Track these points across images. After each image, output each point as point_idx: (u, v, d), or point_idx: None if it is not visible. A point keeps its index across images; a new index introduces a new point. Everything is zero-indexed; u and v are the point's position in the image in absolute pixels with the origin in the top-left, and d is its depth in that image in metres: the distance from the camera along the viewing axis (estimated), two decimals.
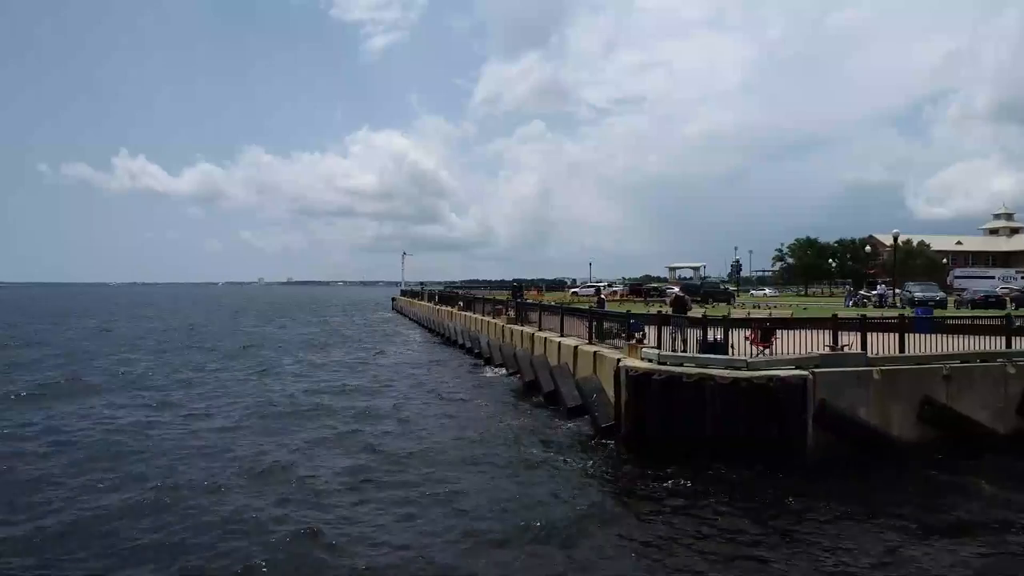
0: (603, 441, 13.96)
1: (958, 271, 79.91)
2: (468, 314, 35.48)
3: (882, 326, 14.31)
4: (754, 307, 35.57)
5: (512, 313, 26.92)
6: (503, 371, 24.08)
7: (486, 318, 30.78)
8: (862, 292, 45.00)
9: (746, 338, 14.08)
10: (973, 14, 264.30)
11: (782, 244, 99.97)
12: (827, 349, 13.25)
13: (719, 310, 30.00)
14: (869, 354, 13.22)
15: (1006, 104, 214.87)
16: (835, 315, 14.61)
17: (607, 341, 17.13)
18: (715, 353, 13.18)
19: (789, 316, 25.00)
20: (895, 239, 39.48)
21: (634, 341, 14.69)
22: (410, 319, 61.73)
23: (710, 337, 13.52)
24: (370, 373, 25.95)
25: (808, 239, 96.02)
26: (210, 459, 13.27)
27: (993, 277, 68.46)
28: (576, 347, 17.33)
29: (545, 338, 20.27)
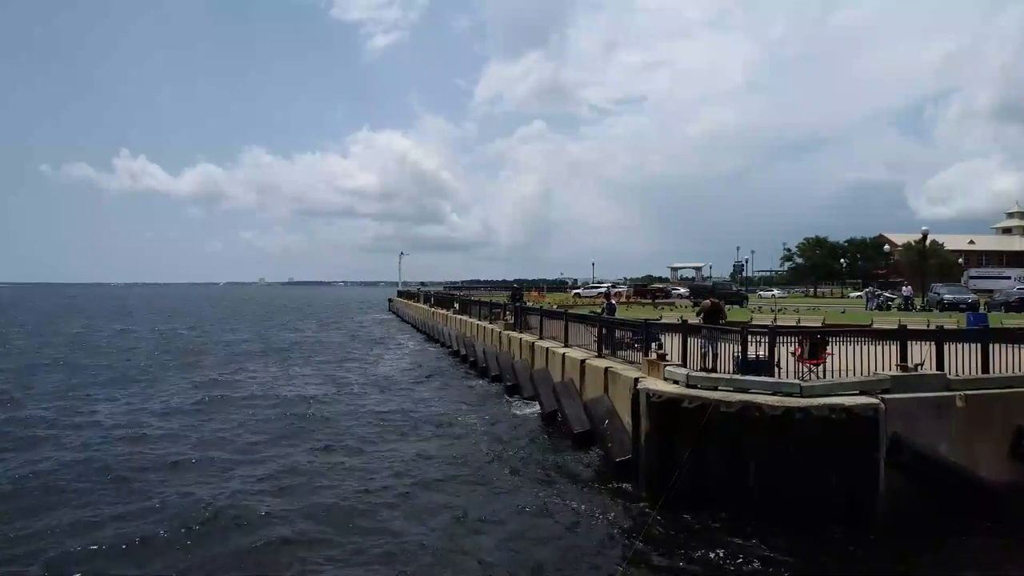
0: (617, 480, 11.44)
1: (973, 271, 77.32)
2: (463, 318, 32.88)
3: (960, 336, 11.71)
4: (773, 310, 32.68)
5: (510, 318, 24.36)
6: (499, 384, 21.53)
7: (482, 323, 28.20)
8: (886, 293, 42.31)
9: (792, 353, 11.52)
10: (974, 14, 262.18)
11: (784, 243, 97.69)
12: (897, 369, 10.68)
13: (737, 314, 27.33)
14: (948, 374, 10.68)
15: (1007, 104, 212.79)
16: (904, 324, 12.00)
17: (619, 354, 14.64)
18: (759, 374, 10.62)
19: (822, 323, 22.45)
20: (924, 237, 36.71)
21: (654, 356, 12.14)
22: (406, 322, 59.16)
23: (751, 353, 10.94)
24: (343, 386, 23.17)
25: (817, 238, 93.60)
26: None
27: (1009, 277, 65.83)
28: (583, 361, 14.80)
29: (547, 348, 17.74)
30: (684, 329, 12.36)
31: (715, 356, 12.24)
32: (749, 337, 10.99)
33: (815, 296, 79.41)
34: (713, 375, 10.66)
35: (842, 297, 76.49)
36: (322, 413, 17.88)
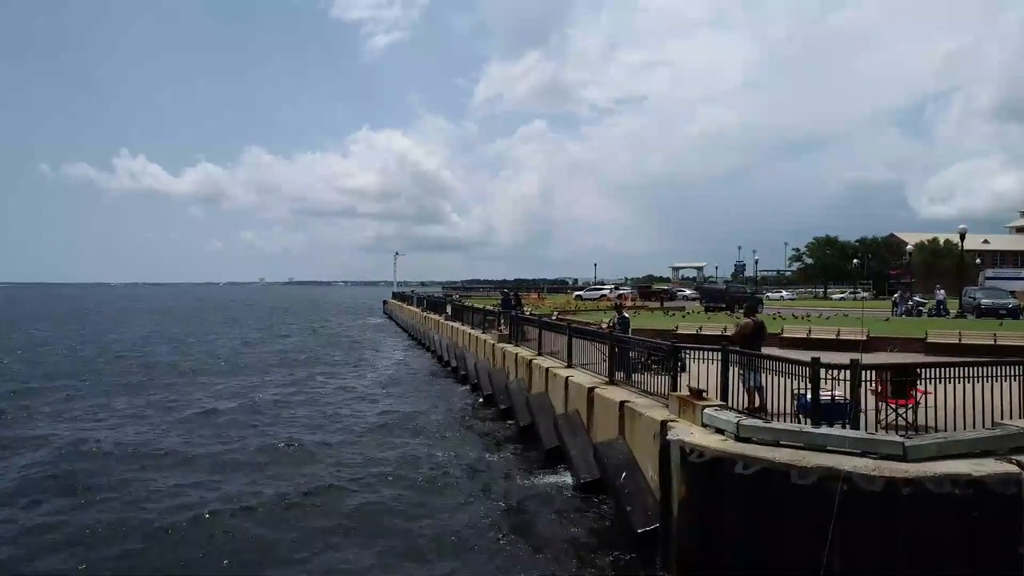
0: (639, 555, 8.60)
1: (990, 272, 74.40)
2: (455, 325, 29.93)
3: None
4: (796, 317, 29.58)
5: (505, 328, 21.45)
6: (492, 406, 18.66)
7: (475, 332, 25.26)
8: (917, 297, 39.22)
9: (871, 392, 8.64)
10: (976, 13, 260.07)
11: (786, 243, 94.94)
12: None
13: None
14: None
15: (1008, 103, 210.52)
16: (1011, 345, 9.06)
17: (635, 378, 11.81)
18: (835, 423, 7.77)
19: (866, 335, 19.54)
20: (961, 237, 33.57)
21: (686, 391, 9.29)
22: (400, 327, 56.28)
23: (825, 393, 8.04)
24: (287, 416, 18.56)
25: (828, 237, 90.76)
26: None
27: None
28: (592, 391, 11.92)
29: (547, 369, 14.87)
30: (725, 356, 9.45)
31: (761, 390, 9.41)
32: (823, 371, 8.05)
33: (826, 298, 76.51)
34: (774, 426, 7.75)
35: (854, 299, 73.49)
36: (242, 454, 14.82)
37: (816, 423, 7.81)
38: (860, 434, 7.33)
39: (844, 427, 7.99)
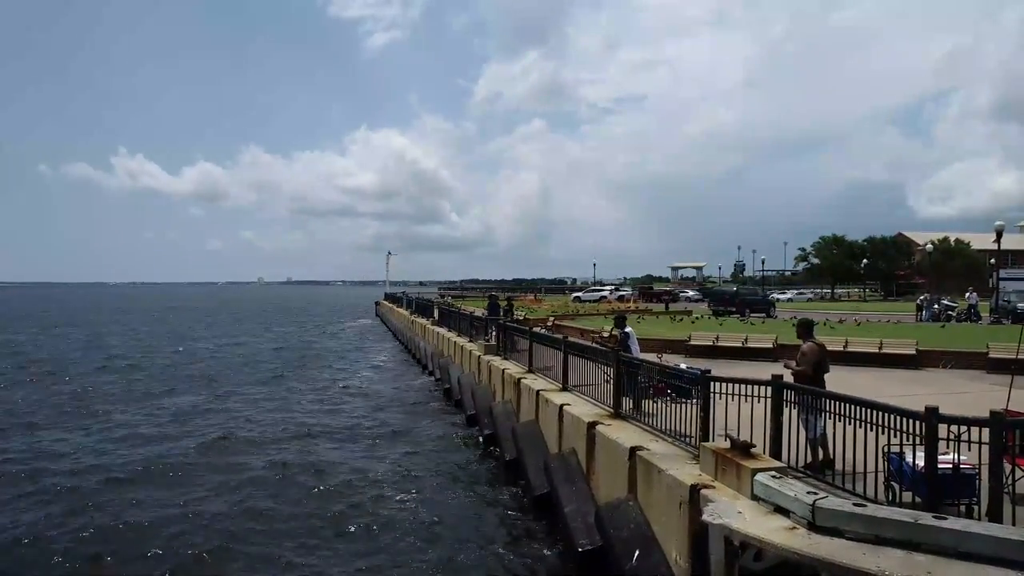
0: None
1: (1004, 272, 71.88)
2: (441, 331, 27.23)
3: None
4: (818, 322, 26.70)
5: (492, 338, 18.77)
6: (476, 429, 16.06)
7: (460, 340, 22.57)
8: (946, 301, 36.49)
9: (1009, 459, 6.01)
10: (975, 13, 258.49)
11: (785, 242, 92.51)
12: None
13: (775, 329, 21.80)
14: None
15: (1007, 103, 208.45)
16: None
17: (644, 409, 9.25)
18: (958, 502, 5.17)
19: (915, 350, 16.93)
20: (998, 235, 30.64)
21: (727, 443, 6.66)
22: (390, 330, 53.60)
23: (943, 458, 5.40)
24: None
25: (835, 236, 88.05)
26: None
27: None
28: (594, 427, 9.28)
29: (538, 393, 12.21)
30: (777, 394, 6.80)
31: (824, 439, 6.84)
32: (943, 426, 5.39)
33: (834, 299, 73.92)
34: (873, 512, 5.08)
35: (860, 300, 71.00)
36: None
37: (934, 505, 5.17)
38: (1013, 534, 4.68)
39: (973, 510, 5.41)
